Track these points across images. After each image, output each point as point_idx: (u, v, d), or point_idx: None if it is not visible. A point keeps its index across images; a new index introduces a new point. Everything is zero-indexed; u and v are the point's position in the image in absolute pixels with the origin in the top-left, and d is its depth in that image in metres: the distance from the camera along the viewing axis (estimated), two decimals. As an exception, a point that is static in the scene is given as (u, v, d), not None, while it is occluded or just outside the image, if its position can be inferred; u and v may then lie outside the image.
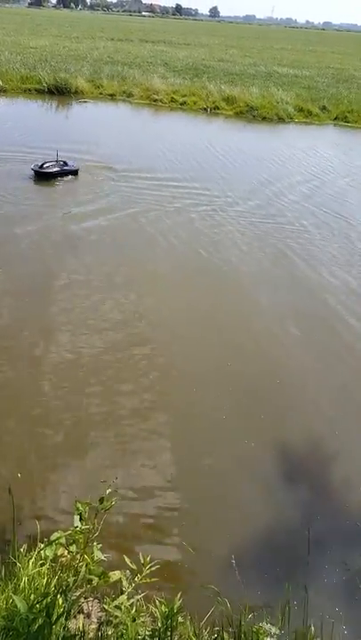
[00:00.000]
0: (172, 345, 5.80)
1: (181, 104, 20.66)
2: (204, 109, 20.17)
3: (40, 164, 10.94)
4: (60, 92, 20.67)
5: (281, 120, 19.44)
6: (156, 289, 7.00)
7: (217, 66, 28.27)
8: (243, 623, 2.71)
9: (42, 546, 2.82)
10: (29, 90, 20.99)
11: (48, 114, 18.58)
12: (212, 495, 4.02)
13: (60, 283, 6.79)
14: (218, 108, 20.22)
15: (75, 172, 11.30)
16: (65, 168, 11.16)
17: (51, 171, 10.94)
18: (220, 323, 6.32)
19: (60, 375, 5.09)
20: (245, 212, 9.95)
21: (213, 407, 4.89)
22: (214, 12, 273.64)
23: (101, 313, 6.19)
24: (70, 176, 11.19)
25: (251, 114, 19.63)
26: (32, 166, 10.94)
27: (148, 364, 5.39)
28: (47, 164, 10.95)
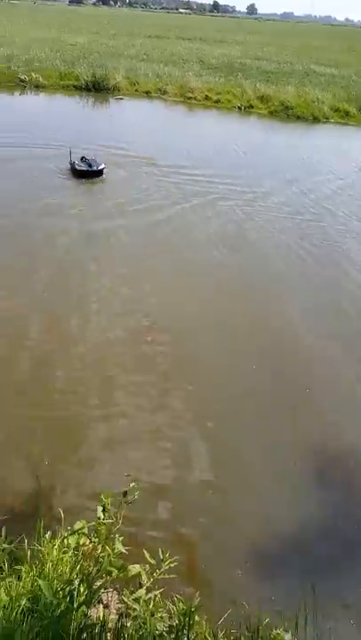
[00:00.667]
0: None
1: (215, 102, 20.60)
2: (238, 108, 20.05)
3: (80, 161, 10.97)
4: (96, 89, 20.89)
5: (316, 120, 19.18)
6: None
7: (252, 64, 28.07)
8: (260, 627, 2.73)
9: (66, 534, 2.89)
10: (67, 86, 21.27)
11: (88, 110, 18.75)
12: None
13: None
14: (252, 107, 20.09)
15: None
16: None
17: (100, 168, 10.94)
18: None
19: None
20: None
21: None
22: (252, 9, 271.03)
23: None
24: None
25: (285, 113, 19.43)
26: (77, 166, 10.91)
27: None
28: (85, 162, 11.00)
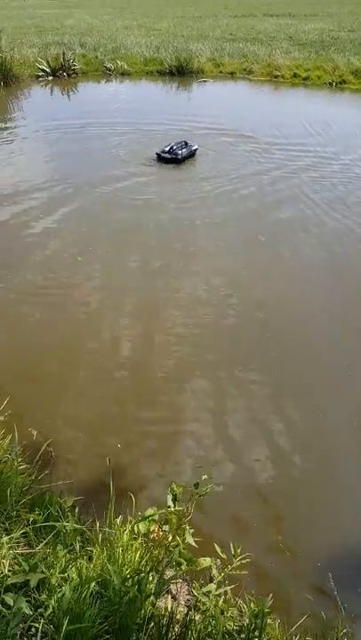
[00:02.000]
0: None
1: (304, 79, 19.72)
2: (329, 84, 19.06)
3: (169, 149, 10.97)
4: (180, 73, 20.79)
5: None
6: None
7: (346, 37, 26.49)
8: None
9: (137, 520, 2.89)
10: (152, 72, 21.35)
11: (171, 93, 18.79)
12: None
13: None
14: (345, 82, 18.98)
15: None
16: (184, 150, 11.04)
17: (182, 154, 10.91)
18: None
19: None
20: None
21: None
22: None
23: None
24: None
25: (381, 87, 18.21)
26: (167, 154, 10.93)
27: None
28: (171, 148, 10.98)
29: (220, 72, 21.18)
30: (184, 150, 10.93)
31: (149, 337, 5.43)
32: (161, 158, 10.96)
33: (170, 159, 10.86)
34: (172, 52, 21.74)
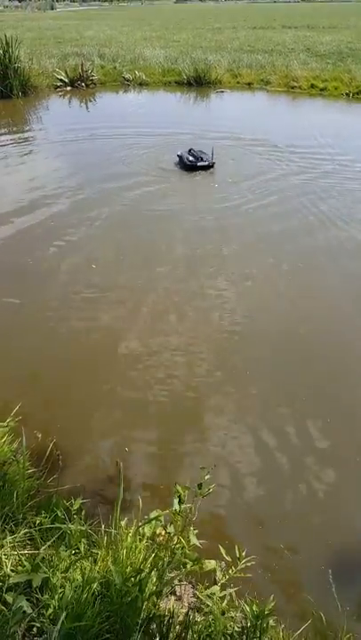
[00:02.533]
0: None
1: (321, 90, 19.76)
2: (346, 94, 19.08)
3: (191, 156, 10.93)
4: (198, 84, 20.98)
5: None
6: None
7: (364, 48, 26.57)
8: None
9: (141, 522, 2.90)
10: (169, 82, 21.58)
11: (189, 104, 18.95)
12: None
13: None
14: (361, 93, 19.00)
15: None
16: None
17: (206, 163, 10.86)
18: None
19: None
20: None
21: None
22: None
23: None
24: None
25: None
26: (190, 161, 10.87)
27: None
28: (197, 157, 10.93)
29: (238, 83, 21.32)
30: (206, 157, 10.86)
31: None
32: (187, 166, 10.86)
33: (198, 166, 10.76)
34: (191, 63, 21.97)
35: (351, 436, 4.25)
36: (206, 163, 10.85)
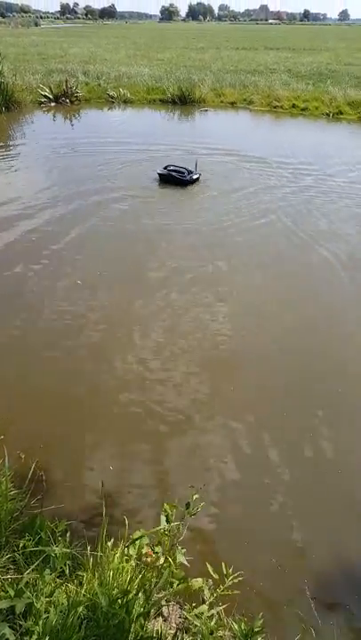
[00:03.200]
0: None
1: (303, 109, 20.20)
2: (327, 114, 19.52)
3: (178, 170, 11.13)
4: (182, 102, 21.29)
5: None
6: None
7: (343, 70, 27.30)
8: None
9: (127, 542, 2.86)
10: (154, 100, 21.85)
11: (175, 121, 19.17)
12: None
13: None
14: (341, 113, 19.46)
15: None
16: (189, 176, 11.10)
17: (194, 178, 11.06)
18: None
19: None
20: None
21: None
22: (344, 15, 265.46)
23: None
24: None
25: (377, 118, 18.67)
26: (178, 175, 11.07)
27: None
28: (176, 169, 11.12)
29: (222, 102, 21.69)
30: (189, 174, 11.04)
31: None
32: (166, 178, 11.07)
33: (186, 180, 10.93)
34: (175, 82, 22.30)
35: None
36: (195, 176, 11.06)
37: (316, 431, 4.47)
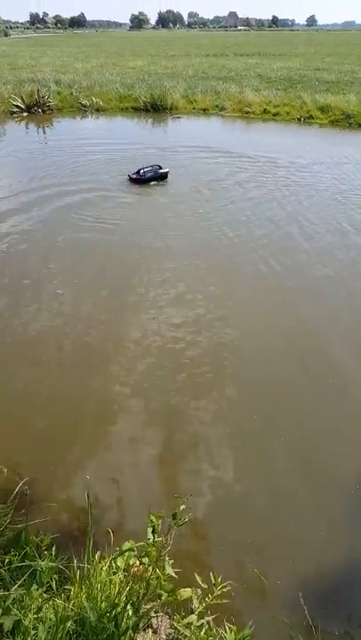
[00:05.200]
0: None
1: (274, 115, 20.47)
2: (298, 119, 19.81)
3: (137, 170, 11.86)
4: (155, 109, 21.39)
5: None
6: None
7: (312, 75, 27.73)
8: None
9: (114, 554, 2.84)
10: (127, 108, 21.92)
11: (148, 128, 19.22)
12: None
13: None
14: (312, 117, 19.77)
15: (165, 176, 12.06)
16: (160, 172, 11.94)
17: (147, 177, 11.77)
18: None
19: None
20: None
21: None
22: (311, 20, 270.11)
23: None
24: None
25: (347, 121, 18.99)
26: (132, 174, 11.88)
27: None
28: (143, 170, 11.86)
29: (194, 108, 21.85)
30: (149, 172, 11.84)
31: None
32: (132, 179, 11.83)
33: (138, 180, 11.73)
34: (146, 90, 22.39)
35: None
36: (164, 171, 11.94)
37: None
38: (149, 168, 11.87)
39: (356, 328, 6.18)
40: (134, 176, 11.78)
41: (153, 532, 2.73)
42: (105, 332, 6.03)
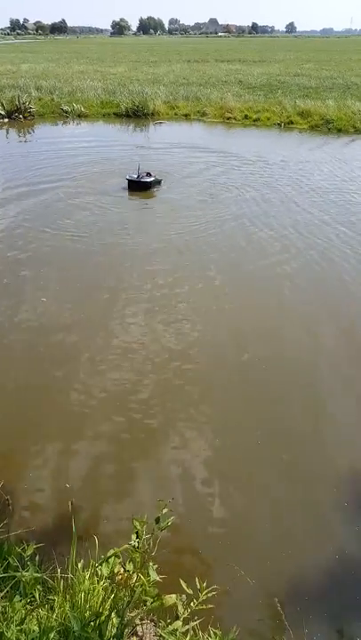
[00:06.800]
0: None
1: (255, 120, 20.65)
2: (278, 124, 20.01)
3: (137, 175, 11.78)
4: (136, 115, 21.44)
5: (358, 131, 18.87)
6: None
7: (292, 81, 28.07)
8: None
9: (98, 562, 2.82)
10: (108, 114, 21.94)
11: (129, 134, 19.25)
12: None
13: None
14: (292, 123, 19.99)
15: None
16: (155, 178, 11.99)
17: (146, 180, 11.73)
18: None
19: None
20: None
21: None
22: (291, 27, 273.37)
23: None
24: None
25: (326, 127, 19.24)
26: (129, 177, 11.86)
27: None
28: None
29: (175, 114, 21.95)
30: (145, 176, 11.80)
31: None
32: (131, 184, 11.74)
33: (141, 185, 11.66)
34: (128, 95, 22.43)
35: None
36: (153, 179, 11.90)
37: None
38: (144, 174, 11.83)
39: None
40: (135, 178, 11.70)
41: (137, 537, 2.71)
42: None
